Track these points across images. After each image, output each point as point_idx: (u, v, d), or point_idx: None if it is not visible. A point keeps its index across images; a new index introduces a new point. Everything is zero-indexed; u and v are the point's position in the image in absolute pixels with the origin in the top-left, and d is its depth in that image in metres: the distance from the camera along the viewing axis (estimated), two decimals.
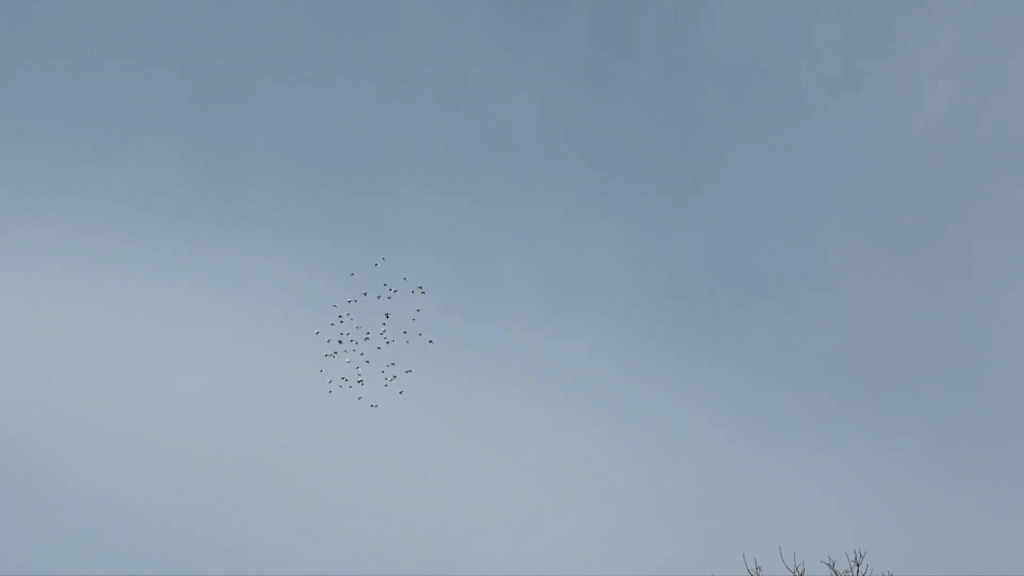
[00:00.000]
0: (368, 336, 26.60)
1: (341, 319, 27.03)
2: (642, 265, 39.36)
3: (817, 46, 41.74)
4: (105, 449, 32.04)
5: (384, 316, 27.03)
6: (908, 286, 39.29)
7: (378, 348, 27.15)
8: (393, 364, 26.78)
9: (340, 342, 26.87)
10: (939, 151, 41.11)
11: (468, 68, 41.10)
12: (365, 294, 27.06)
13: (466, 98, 40.66)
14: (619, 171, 41.37)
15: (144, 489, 31.32)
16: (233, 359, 34.25)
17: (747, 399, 35.96)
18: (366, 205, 38.72)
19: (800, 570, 18.09)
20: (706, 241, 40.29)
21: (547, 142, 41.23)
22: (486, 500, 32.38)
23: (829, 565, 18.12)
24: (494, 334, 35.80)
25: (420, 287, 27.49)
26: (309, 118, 39.61)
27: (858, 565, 18.05)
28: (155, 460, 32.02)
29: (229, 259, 35.79)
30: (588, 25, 41.74)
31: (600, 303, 38.26)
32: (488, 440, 33.80)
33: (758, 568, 18.15)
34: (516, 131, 40.85)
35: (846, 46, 41.84)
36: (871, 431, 34.67)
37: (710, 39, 41.83)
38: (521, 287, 37.67)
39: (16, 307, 34.43)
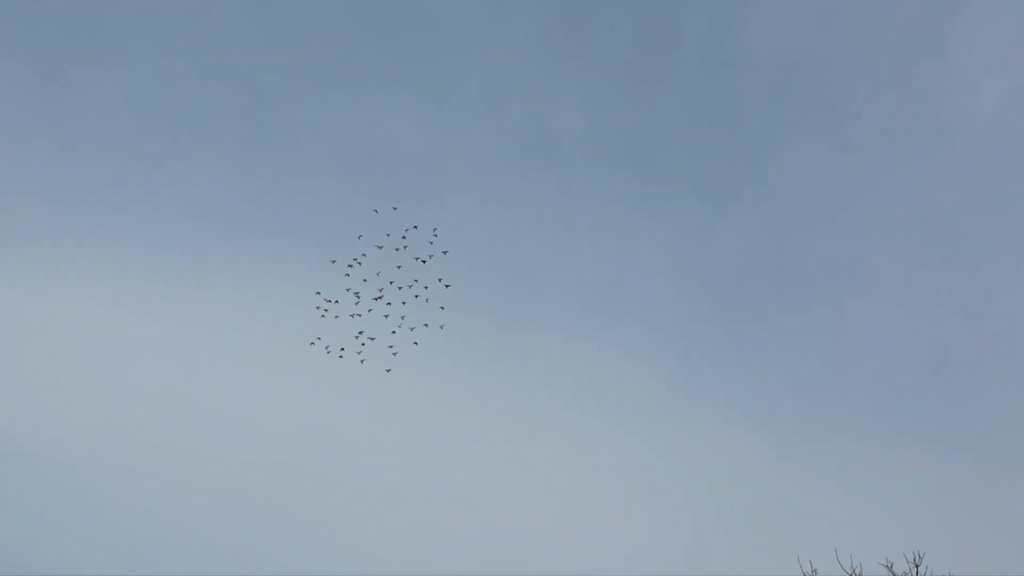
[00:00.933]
0: (381, 293, 25.94)
1: (350, 270, 26.41)
2: (686, 269, 39.09)
3: (863, 44, 41.34)
4: (157, 460, 32.23)
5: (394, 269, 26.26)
6: (960, 284, 38.75)
7: (389, 304, 26.49)
8: (402, 319, 26.16)
9: (356, 294, 26.27)
10: (989, 147, 40.56)
11: (511, 75, 41.07)
12: (380, 247, 26.27)
13: (510, 105, 40.62)
14: (663, 175, 41.13)
15: (181, 495, 31.47)
16: (283, 369, 34.33)
17: (796, 402, 35.59)
18: (412, 214, 38.68)
19: (857, 572, 17.80)
20: (751, 244, 39.95)
21: (590, 147, 41.09)
22: (528, 510, 32.25)
23: (887, 567, 17.82)
24: (535, 341, 35.67)
25: (434, 230, 26.83)
26: (355, 128, 39.69)
27: (917, 567, 17.73)
28: (205, 471, 32.17)
29: (276, 271, 35.90)
30: (630, 29, 41.60)
31: (643, 308, 38.02)
32: (527, 447, 33.66)
33: (814, 571, 17.89)
34: (559, 137, 40.74)
35: (893, 44, 41.40)
36: (927, 430, 34.19)
37: (754, 40, 41.54)
38: (563, 293, 37.53)
39: (67, 317, 34.73)
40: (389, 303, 26.94)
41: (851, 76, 41.24)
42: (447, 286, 27.48)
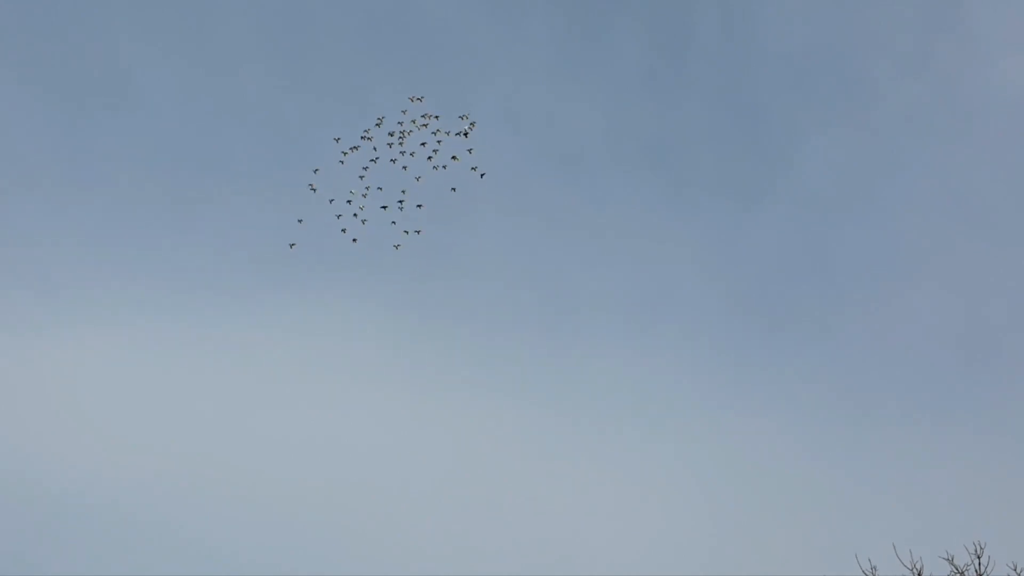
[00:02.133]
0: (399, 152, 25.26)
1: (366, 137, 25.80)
2: (720, 272, 38.59)
3: (880, 27, 40.78)
4: (194, 500, 32.07)
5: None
6: (1002, 260, 38.04)
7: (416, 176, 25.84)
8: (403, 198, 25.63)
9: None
10: (1018, 123, 39.89)
11: (529, 86, 40.78)
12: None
13: (529, 116, 40.33)
14: (688, 175, 40.69)
15: (214, 532, 31.28)
16: (320, 405, 34.18)
17: (844, 397, 34.97)
18: (439, 233, 38.49)
19: (918, 567, 17.28)
20: (783, 239, 39.40)
21: (613, 153, 40.74)
22: (573, 527, 31.83)
23: (948, 560, 17.30)
24: (570, 354, 35.31)
25: (468, 121, 26.18)
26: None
27: (979, 558, 17.20)
28: (246, 507, 31.98)
29: (311, 305, 35.77)
30: (644, 32, 41.25)
31: (679, 313, 37.58)
32: (574, 467, 33.24)
33: (873, 568, 17.38)
34: (581, 145, 40.42)
35: (911, 24, 40.81)
36: (983, 416, 33.48)
37: (769, 32, 41.09)
38: (596, 304, 37.15)
39: (98, 362, 34.73)
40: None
41: (870, 60, 40.72)
42: (482, 175, 26.90)
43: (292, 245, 26.44)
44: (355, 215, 25.87)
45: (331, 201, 25.74)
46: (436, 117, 26.66)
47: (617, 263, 38.37)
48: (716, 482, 32.72)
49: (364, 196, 25.66)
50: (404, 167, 26.20)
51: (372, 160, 26.21)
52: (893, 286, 37.96)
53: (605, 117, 40.71)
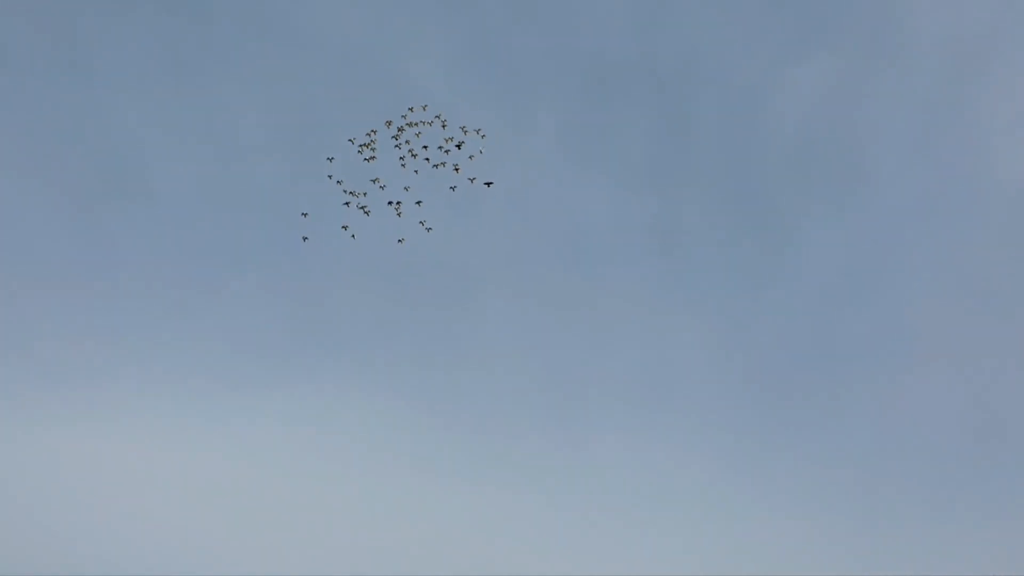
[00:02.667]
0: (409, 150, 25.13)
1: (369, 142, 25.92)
2: (727, 358, 38.67)
3: (882, 114, 41.30)
4: None
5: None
6: (1008, 345, 38.07)
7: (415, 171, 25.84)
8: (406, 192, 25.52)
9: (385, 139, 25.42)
10: (1019, 208, 40.21)
11: (536, 173, 41.22)
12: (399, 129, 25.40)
13: (536, 203, 40.71)
14: (694, 262, 40.92)
15: None
16: (328, 492, 34.06)
17: (853, 481, 34.84)
18: (447, 322, 38.70)
19: None
20: (790, 326, 39.53)
21: (619, 239, 41.01)
22: None
23: None
24: (579, 442, 35.28)
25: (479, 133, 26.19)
26: (386, 240, 39.83)
27: None
28: None
29: (319, 393, 35.82)
30: (648, 118, 41.76)
31: (686, 401, 37.57)
32: (582, 555, 33.05)
33: None
34: (587, 230, 40.71)
35: (912, 111, 41.33)
36: (991, 499, 33.30)
37: (771, 119, 41.59)
38: (605, 392, 37.16)
39: (120, 453, 34.69)
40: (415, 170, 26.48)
41: (872, 148, 41.15)
42: (488, 184, 27.09)
43: (305, 238, 26.59)
44: (362, 207, 26.14)
45: (340, 183, 25.87)
46: (442, 122, 27.00)
47: (623, 348, 38.45)
48: (724, 567, 32.50)
49: (372, 191, 25.89)
50: (404, 164, 26.43)
51: (367, 157, 26.45)
52: (900, 371, 38.01)
53: (610, 203, 41.06)
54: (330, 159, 28.02)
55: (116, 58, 39.81)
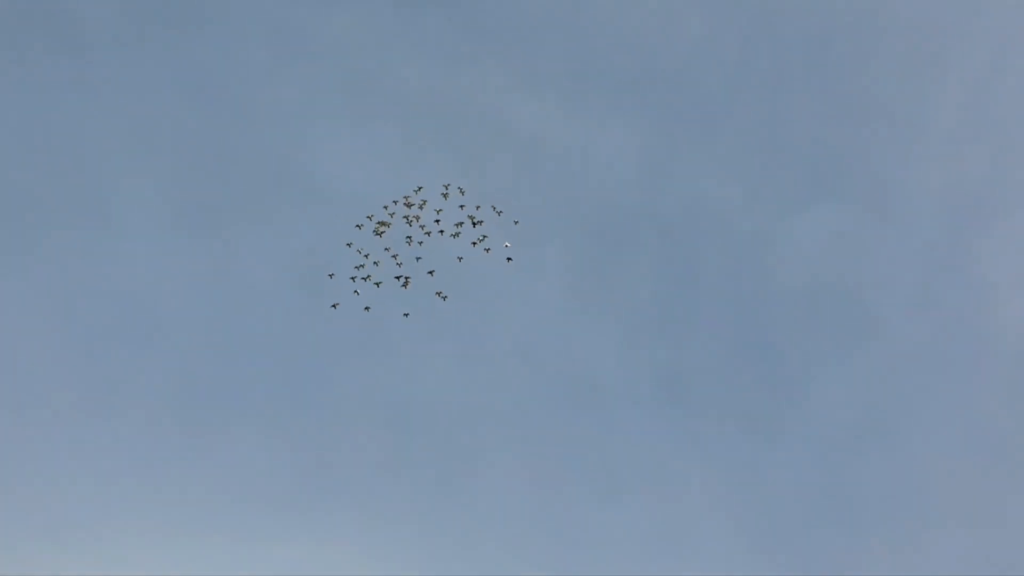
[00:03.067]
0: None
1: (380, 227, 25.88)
2: (738, 510, 38.20)
3: (887, 263, 41.61)
4: None
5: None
6: (1021, 500, 37.76)
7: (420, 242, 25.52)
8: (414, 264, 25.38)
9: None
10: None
11: (542, 325, 41.19)
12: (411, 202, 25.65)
13: (543, 354, 40.61)
14: (702, 410, 40.72)
15: None
16: None
17: None
18: (449, 471, 38.28)
19: None
20: (801, 477, 39.17)
21: (627, 386, 40.84)
22: None
23: None
24: None
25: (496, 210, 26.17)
26: (390, 389, 39.61)
27: None
28: None
29: (321, 547, 35.17)
30: (655, 266, 41.97)
31: (696, 554, 37.00)
32: None
33: None
34: (595, 378, 40.58)
35: (917, 261, 41.65)
36: None
37: (777, 269, 41.83)
38: (612, 545, 36.62)
39: None
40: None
41: (878, 298, 41.35)
42: (515, 221, 26.83)
43: (331, 275, 26.38)
44: (366, 278, 26.08)
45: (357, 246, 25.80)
46: (461, 191, 27.03)
47: (630, 498, 38.02)
48: None
49: (381, 261, 25.82)
50: (409, 238, 26.47)
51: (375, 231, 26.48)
52: (914, 525, 37.56)
53: (616, 350, 41.00)
54: (331, 275, 28.16)
55: (130, 205, 40.01)
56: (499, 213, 27.44)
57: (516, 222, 27.51)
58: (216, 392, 38.19)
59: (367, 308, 27.61)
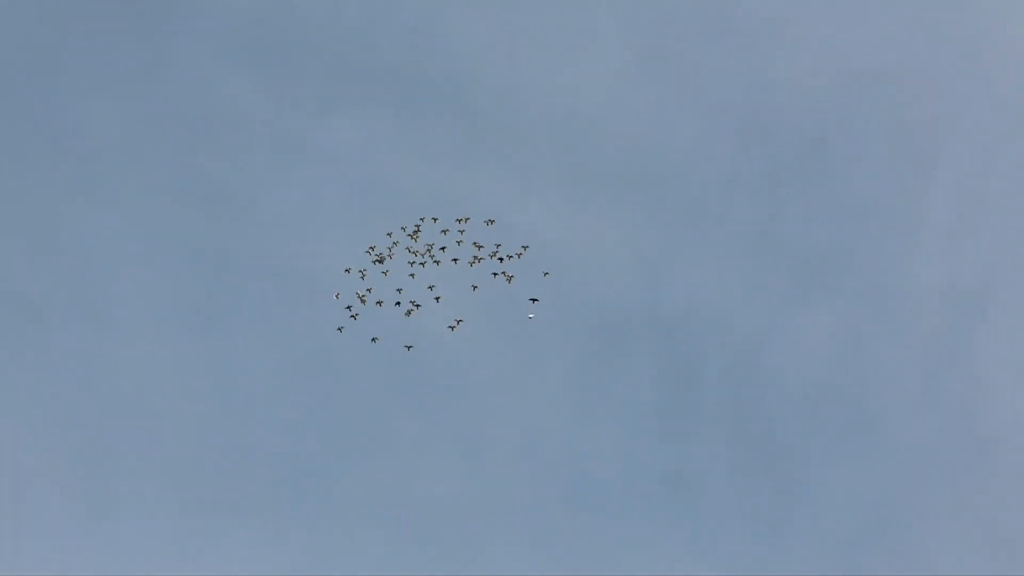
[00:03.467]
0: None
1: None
2: None
3: (884, 360, 41.64)
4: None
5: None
6: None
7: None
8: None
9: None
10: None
11: (544, 423, 41.16)
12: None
13: (545, 452, 40.49)
14: (704, 509, 40.42)
15: None
16: None
17: None
18: (455, 567, 37.96)
19: None
20: (807, 574, 38.75)
21: (629, 484, 40.62)
22: None
23: None
24: None
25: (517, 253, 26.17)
26: (394, 488, 39.45)
27: None
28: None
29: None
30: (655, 367, 42.01)
31: None
32: None
33: None
34: (597, 475, 40.38)
35: (916, 359, 41.68)
36: None
37: (776, 366, 41.87)
38: None
39: None
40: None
41: (878, 395, 41.29)
42: (533, 301, 26.95)
43: (337, 294, 26.24)
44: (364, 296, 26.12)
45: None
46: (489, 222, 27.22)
47: None
48: None
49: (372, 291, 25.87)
50: (418, 261, 26.39)
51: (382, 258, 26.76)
52: None
53: (619, 448, 40.85)
54: (337, 295, 28.47)
55: (131, 305, 40.28)
56: (523, 251, 27.77)
57: (546, 274, 27.79)
58: (214, 494, 38.05)
59: (375, 339, 27.81)
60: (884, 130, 43.43)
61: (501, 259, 28.70)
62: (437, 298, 27.86)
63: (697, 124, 42.92)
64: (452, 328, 27.61)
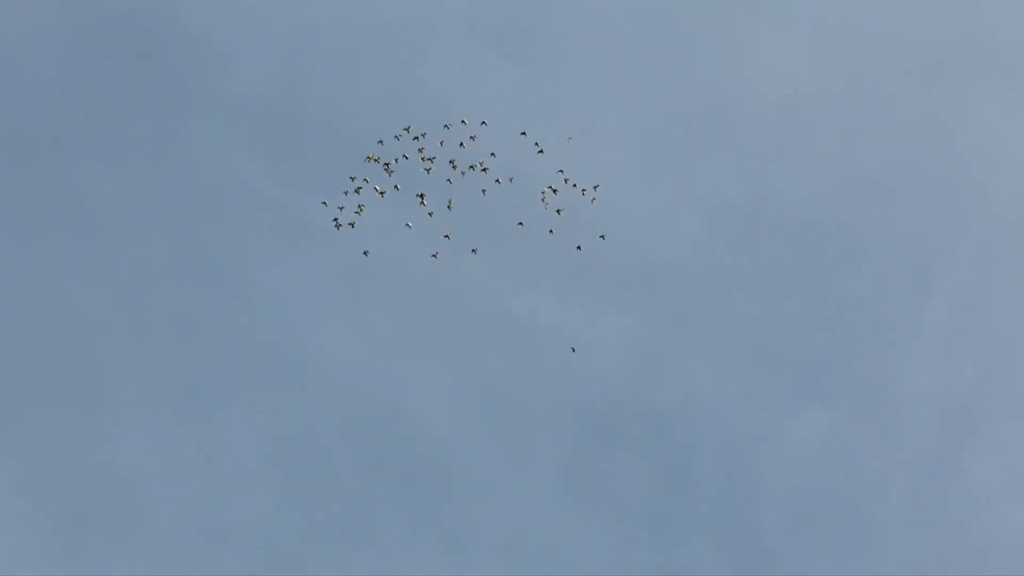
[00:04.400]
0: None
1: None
2: None
3: (877, 467, 41.49)
4: None
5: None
6: None
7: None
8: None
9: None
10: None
11: (530, 522, 40.53)
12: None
13: (530, 552, 39.80)
14: None
15: None
16: None
17: None
18: None
19: None
20: None
21: None
22: None
23: None
24: None
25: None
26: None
27: None
28: None
29: None
30: (646, 465, 41.65)
31: None
32: None
33: None
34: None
35: (910, 469, 41.57)
36: None
37: (769, 471, 41.59)
38: None
39: None
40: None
41: (872, 505, 41.05)
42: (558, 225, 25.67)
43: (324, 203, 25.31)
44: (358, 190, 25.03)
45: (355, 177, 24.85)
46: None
47: None
48: None
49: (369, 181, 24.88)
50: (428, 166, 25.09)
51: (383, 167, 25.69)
52: None
53: (608, 550, 40.27)
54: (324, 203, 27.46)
55: (119, 382, 39.78)
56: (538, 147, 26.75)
57: (578, 248, 27.02)
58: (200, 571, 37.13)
59: (366, 252, 26.81)
60: (881, 238, 43.79)
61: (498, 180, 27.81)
62: (474, 250, 26.78)
63: (696, 222, 43.16)
64: (434, 256, 26.72)
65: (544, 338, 41.07)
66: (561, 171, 29.13)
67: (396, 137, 28.22)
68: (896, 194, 43.73)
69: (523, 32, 41.83)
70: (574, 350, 28.16)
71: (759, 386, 42.10)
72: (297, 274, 40.89)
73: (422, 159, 27.81)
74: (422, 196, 27.20)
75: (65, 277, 40.04)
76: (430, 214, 27.92)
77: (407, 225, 27.47)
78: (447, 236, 27.52)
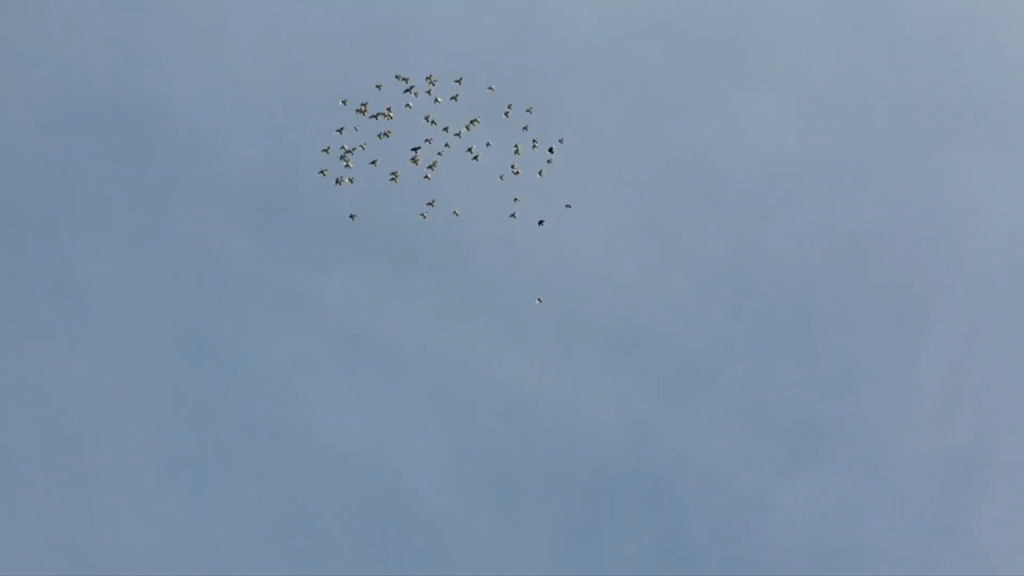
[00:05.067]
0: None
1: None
2: None
3: (881, 531, 41.18)
4: None
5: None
6: None
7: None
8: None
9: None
10: None
11: None
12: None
13: None
14: None
15: None
16: None
17: None
18: None
19: None
20: None
21: None
22: None
23: None
24: None
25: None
26: None
27: None
28: None
29: None
30: (643, 529, 41.42)
31: None
32: None
33: None
34: None
35: (910, 528, 41.23)
36: None
37: (768, 534, 41.35)
38: None
39: None
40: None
41: (873, 566, 40.73)
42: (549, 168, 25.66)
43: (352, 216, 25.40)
44: (345, 159, 25.00)
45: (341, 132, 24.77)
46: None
47: None
48: None
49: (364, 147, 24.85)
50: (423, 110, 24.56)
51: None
52: None
53: None
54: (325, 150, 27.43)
55: (115, 459, 39.78)
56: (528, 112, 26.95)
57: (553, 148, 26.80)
58: None
59: (352, 216, 26.77)
60: (872, 297, 43.81)
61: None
62: (413, 159, 26.74)
63: (687, 286, 43.25)
64: (428, 174, 26.68)
65: (537, 406, 41.09)
66: (535, 140, 29.61)
67: (377, 85, 28.65)
68: (885, 253, 43.83)
69: (512, 98, 42.32)
70: (540, 300, 28.19)
71: (754, 449, 41.93)
72: (290, 349, 41.03)
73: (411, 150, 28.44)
74: (415, 154, 27.61)
75: (58, 355, 40.17)
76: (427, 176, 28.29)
77: (412, 155, 27.69)
78: (431, 203, 27.97)
